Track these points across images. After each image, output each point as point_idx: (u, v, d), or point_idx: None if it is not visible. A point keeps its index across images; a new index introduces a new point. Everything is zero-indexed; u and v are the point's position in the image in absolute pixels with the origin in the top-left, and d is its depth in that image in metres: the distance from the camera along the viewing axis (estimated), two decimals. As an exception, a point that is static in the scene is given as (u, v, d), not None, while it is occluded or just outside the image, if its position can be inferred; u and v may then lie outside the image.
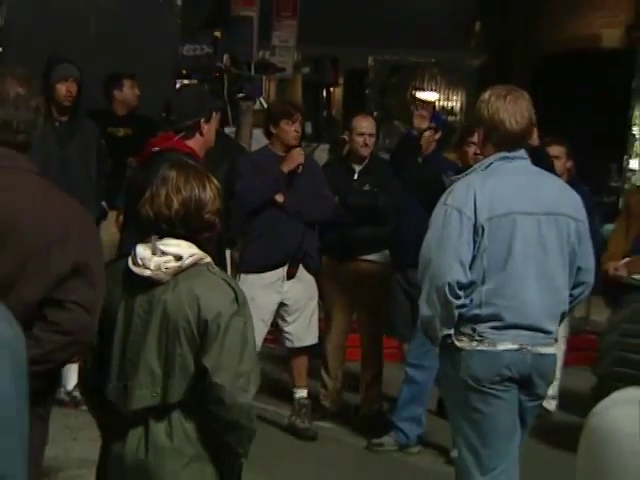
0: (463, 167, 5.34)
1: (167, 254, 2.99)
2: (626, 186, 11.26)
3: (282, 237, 5.79)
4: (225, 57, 7.87)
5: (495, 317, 3.69)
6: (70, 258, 2.86)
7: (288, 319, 5.95)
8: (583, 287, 3.91)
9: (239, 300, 2.97)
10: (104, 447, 3.15)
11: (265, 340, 6.00)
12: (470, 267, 3.66)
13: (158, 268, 2.98)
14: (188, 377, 2.95)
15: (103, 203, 6.34)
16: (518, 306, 3.70)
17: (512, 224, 3.69)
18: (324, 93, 12.75)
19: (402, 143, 6.17)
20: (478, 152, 4.51)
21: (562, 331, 5.60)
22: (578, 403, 6.25)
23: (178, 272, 2.98)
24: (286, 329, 5.98)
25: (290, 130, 5.88)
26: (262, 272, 5.82)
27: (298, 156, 5.88)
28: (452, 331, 3.72)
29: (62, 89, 5.98)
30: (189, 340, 2.94)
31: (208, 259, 3.06)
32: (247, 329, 2.97)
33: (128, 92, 6.93)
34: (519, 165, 3.81)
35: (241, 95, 7.98)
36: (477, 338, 3.69)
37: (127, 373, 3.01)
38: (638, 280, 5.29)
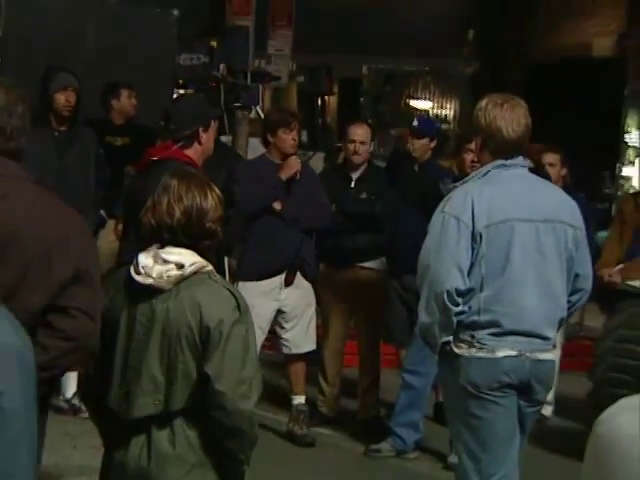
0: (459, 175, 5.37)
1: (169, 262, 2.99)
2: (619, 193, 11.31)
3: (280, 245, 5.79)
4: (221, 66, 7.88)
5: (494, 323, 3.70)
6: (71, 264, 2.87)
7: (286, 326, 5.96)
8: (581, 294, 3.92)
9: (241, 308, 2.98)
10: (106, 455, 3.14)
11: (263, 347, 5.98)
12: (468, 274, 3.67)
13: (160, 276, 2.99)
14: (190, 384, 2.96)
15: (102, 212, 6.34)
16: (516, 312, 3.71)
17: (510, 231, 3.70)
18: (319, 102, 12.79)
19: (393, 157, 6.29)
20: (475, 160, 4.54)
21: (558, 337, 5.62)
22: (574, 409, 6.28)
23: (180, 280, 2.99)
24: (284, 336, 5.98)
25: (288, 139, 5.87)
26: (260, 280, 5.82)
27: (295, 164, 5.89)
28: (451, 338, 3.73)
29: (61, 98, 5.96)
30: (191, 347, 2.95)
31: (210, 267, 3.06)
32: (249, 336, 2.98)
33: (125, 101, 6.94)
34: (516, 173, 3.83)
35: (238, 104, 8.00)
36: (476, 345, 3.70)
37: (129, 380, 3.01)
38: (632, 286, 5.32)
